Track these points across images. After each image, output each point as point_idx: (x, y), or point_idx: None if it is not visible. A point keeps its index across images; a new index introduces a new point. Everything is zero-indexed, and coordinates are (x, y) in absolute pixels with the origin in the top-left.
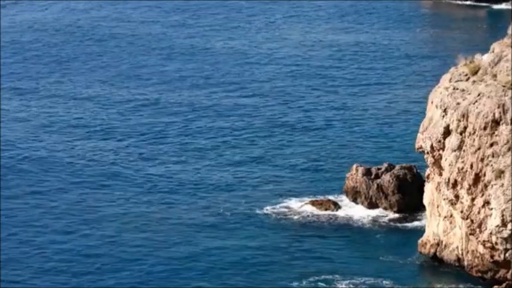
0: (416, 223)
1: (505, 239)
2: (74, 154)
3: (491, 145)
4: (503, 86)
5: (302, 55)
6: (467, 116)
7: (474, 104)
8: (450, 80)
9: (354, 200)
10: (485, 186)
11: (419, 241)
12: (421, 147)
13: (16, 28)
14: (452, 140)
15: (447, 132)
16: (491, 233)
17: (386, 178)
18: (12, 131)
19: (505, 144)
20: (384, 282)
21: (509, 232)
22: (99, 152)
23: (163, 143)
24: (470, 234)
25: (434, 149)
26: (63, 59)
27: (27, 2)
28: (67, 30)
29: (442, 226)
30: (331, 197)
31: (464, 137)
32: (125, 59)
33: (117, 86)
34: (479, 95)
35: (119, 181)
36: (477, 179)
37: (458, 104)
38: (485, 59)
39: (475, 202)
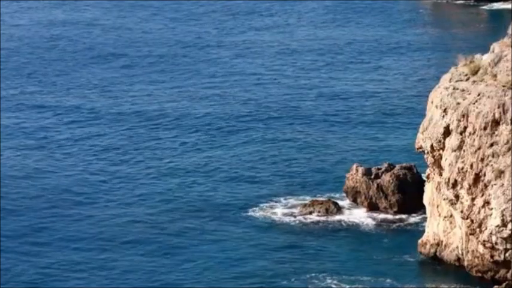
0: (416, 223)
1: (505, 239)
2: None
3: (491, 145)
4: (503, 86)
5: (299, 54)
6: (467, 116)
7: (474, 104)
8: (450, 80)
9: (354, 200)
10: (485, 186)
11: (419, 241)
12: (421, 147)
13: None
14: (452, 140)
15: (447, 132)
16: (491, 233)
17: (386, 178)
18: None
19: (505, 144)
20: (384, 282)
21: (509, 232)
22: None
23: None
24: (470, 234)
25: (434, 149)
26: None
27: None
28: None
29: (442, 226)
30: (331, 197)
31: (464, 137)
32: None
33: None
34: (479, 95)
35: (103, 188)
36: (477, 179)
37: (458, 104)
38: (485, 59)
39: (475, 202)
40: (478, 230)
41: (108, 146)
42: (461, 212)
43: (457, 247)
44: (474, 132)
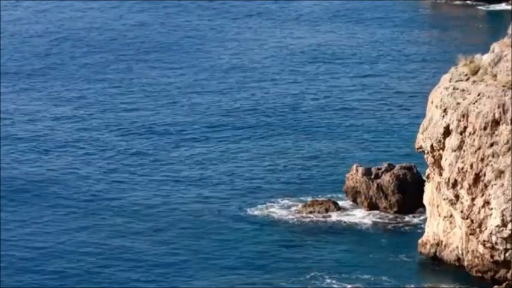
0: (416, 223)
1: (505, 239)
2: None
3: (491, 145)
4: (503, 86)
5: (300, 54)
6: (467, 116)
7: (474, 104)
8: (450, 80)
9: (354, 200)
10: (485, 186)
11: (419, 241)
12: (421, 147)
13: None
14: (452, 140)
15: (447, 132)
16: (491, 233)
17: (386, 178)
18: None
19: (505, 144)
20: (384, 282)
21: (509, 232)
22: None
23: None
24: (470, 234)
25: (434, 149)
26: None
27: None
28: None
29: (442, 226)
30: (331, 197)
31: (464, 137)
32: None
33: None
34: (479, 95)
35: (97, 190)
36: (477, 179)
37: (458, 104)
38: (485, 59)
39: (475, 202)
40: (478, 230)
41: (102, 149)
42: (461, 212)
43: (457, 247)
44: (474, 132)
